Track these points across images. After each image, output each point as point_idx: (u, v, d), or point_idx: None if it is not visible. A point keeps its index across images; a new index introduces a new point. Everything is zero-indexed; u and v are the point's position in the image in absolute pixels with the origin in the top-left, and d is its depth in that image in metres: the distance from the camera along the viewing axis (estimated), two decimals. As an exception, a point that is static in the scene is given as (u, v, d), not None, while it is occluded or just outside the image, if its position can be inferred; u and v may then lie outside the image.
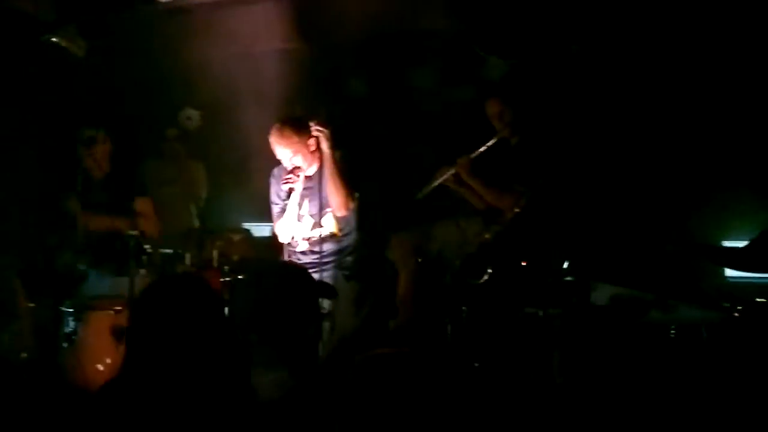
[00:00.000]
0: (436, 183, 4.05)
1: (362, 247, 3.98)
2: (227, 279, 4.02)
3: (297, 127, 3.82)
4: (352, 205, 3.85)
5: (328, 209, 3.85)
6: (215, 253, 4.20)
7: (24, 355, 2.52)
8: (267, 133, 3.96)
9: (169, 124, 5.38)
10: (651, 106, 4.38)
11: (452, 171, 4.01)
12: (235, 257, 4.20)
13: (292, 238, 3.94)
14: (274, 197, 3.99)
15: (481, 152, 3.97)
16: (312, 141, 3.82)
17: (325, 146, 3.75)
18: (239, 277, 3.91)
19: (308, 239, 3.92)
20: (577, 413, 3.25)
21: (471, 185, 3.96)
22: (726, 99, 4.30)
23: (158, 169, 5.26)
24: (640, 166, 4.32)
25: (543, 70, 4.69)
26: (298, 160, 3.83)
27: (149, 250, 3.94)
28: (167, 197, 5.16)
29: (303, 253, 3.95)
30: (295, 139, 3.80)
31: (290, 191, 3.83)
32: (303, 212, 3.95)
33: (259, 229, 5.07)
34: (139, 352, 1.85)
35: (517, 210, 3.58)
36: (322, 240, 3.86)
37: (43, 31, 4.87)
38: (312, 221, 3.94)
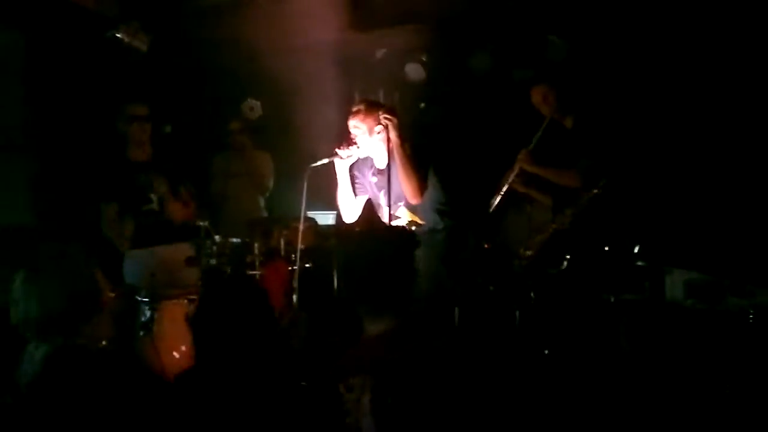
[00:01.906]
0: (503, 190, 4.03)
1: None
2: (294, 267, 4.06)
3: (367, 109, 3.83)
4: (424, 194, 3.80)
5: (400, 202, 3.83)
6: (282, 242, 4.25)
7: (104, 343, 2.58)
8: (329, 123, 3.97)
9: (231, 115, 5.45)
10: (726, 86, 4.23)
11: (515, 171, 3.98)
12: (302, 246, 4.23)
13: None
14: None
15: (537, 141, 3.93)
16: (379, 128, 3.79)
17: (393, 135, 3.71)
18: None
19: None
20: (650, 399, 3.20)
21: (539, 173, 3.91)
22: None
23: (226, 161, 5.35)
24: (716, 147, 4.19)
25: (600, 50, 4.60)
26: (362, 142, 3.83)
27: (219, 240, 4.00)
28: (235, 189, 5.26)
29: None
30: (361, 119, 3.80)
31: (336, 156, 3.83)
32: (381, 203, 3.92)
33: (324, 218, 5.12)
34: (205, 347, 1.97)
35: (596, 191, 3.51)
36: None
37: (107, 28, 4.98)
38: (388, 211, 3.93)
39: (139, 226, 4.16)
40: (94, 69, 5.02)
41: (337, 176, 3.91)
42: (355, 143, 3.82)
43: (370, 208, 3.85)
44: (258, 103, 5.66)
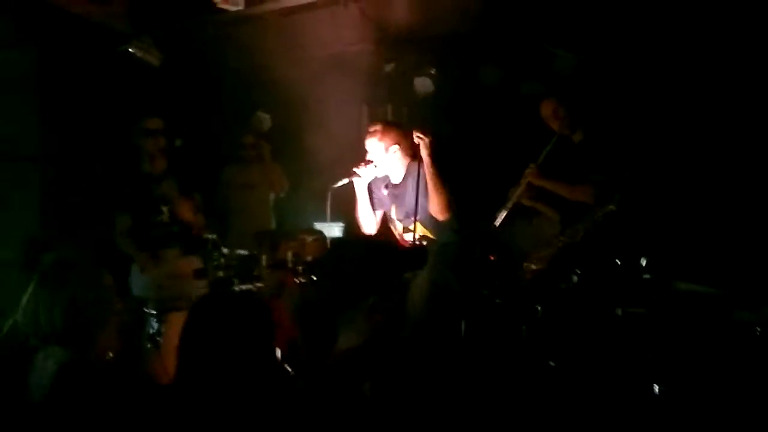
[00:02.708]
0: (510, 204, 4.06)
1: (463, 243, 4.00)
2: (301, 280, 4.07)
3: (384, 129, 3.99)
4: (451, 211, 3.86)
5: (413, 216, 3.88)
6: (289, 255, 4.26)
7: (110, 355, 2.59)
8: (338, 135, 4.02)
9: (241, 129, 5.50)
10: (738, 97, 4.23)
11: (523, 186, 4.02)
12: (309, 258, 4.24)
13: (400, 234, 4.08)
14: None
15: (546, 155, 3.96)
16: (395, 148, 3.93)
17: (424, 153, 3.81)
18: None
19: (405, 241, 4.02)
20: (656, 412, 3.19)
21: (549, 188, 3.92)
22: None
23: (236, 173, 5.38)
24: (725, 160, 4.18)
25: (609, 63, 4.61)
26: (379, 161, 3.98)
27: (226, 252, 4.03)
28: (245, 201, 5.29)
29: None
30: (379, 139, 3.96)
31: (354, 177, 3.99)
32: (393, 217, 4.09)
33: (330, 229, 5.13)
34: (190, 361, 2.00)
35: (612, 208, 3.51)
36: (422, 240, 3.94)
37: (120, 43, 5.05)
38: (401, 226, 4.04)
39: (148, 237, 4.20)
40: (108, 83, 5.09)
41: (357, 193, 4.07)
42: (372, 162, 3.96)
43: (386, 223, 4.09)
44: (268, 116, 5.71)
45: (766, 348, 3.21)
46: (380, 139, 3.96)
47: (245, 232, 4.78)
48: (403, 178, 4.02)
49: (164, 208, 4.26)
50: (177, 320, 3.74)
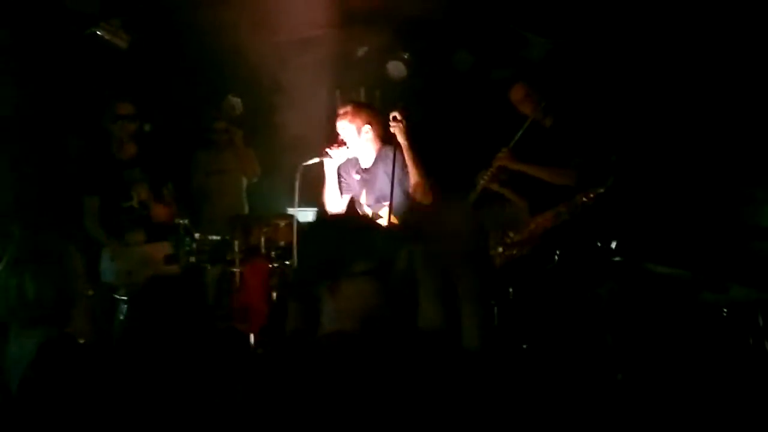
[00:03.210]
0: (479, 188, 4.04)
1: None
2: (274, 264, 4.07)
3: (354, 110, 3.93)
4: (435, 194, 3.84)
5: (384, 202, 3.87)
6: (262, 240, 4.25)
7: (81, 341, 2.56)
8: (310, 119, 3.99)
9: (212, 112, 5.44)
10: (705, 85, 4.28)
11: (492, 171, 4.00)
12: (282, 243, 4.24)
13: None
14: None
15: (518, 140, 3.95)
16: (366, 128, 3.88)
17: (401, 137, 3.78)
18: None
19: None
20: (631, 393, 3.24)
21: (528, 172, 3.88)
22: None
23: (208, 158, 5.33)
24: (693, 145, 4.24)
25: (581, 49, 4.63)
26: (351, 142, 3.92)
27: (198, 237, 4.00)
28: (217, 185, 5.24)
29: None
30: (349, 120, 3.90)
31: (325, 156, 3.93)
32: (363, 202, 4.02)
33: (303, 215, 5.11)
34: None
35: (601, 190, 3.53)
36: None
37: (87, 25, 4.95)
38: (370, 211, 3.99)
39: (116, 223, 4.16)
40: (78, 65, 5.00)
41: (326, 175, 3.99)
42: (345, 143, 3.91)
43: (352, 206, 3.93)
44: (239, 100, 5.65)
45: (731, 329, 3.29)
46: (351, 121, 3.90)
47: (217, 217, 4.76)
48: (374, 162, 3.98)
49: (134, 194, 4.22)
50: (148, 306, 3.72)
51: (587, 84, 4.40)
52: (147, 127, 4.44)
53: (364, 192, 4.02)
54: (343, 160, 4.00)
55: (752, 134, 4.18)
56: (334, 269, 1.85)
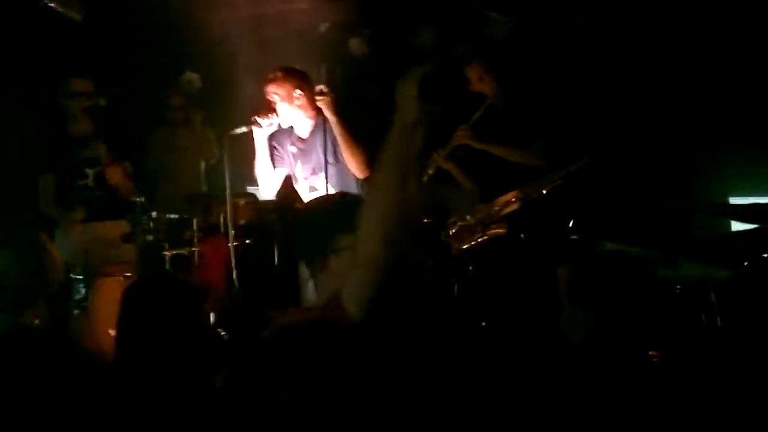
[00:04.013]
0: (434, 165, 4.02)
1: None
2: (235, 244, 4.02)
3: (284, 75, 3.79)
4: (371, 168, 3.79)
5: (320, 173, 3.82)
6: (222, 219, 4.19)
7: (36, 322, 2.54)
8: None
9: (169, 89, 5.34)
10: (654, 61, 4.33)
11: (448, 149, 3.97)
12: (242, 222, 4.19)
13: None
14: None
15: (477, 118, 3.93)
16: (298, 93, 3.76)
17: (328, 112, 3.70)
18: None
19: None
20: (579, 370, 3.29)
21: (495, 152, 3.86)
22: (730, 54, 4.25)
23: (165, 136, 5.24)
24: (643, 122, 4.30)
25: (543, 28, 4.65)
26: (282, 110, 3.79)
27: (155, 216, 3.95)
28: (175, 164, 5.17)
29: None
30: (279, 86, 3.77)
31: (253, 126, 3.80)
32: (298, 175, 3.92)
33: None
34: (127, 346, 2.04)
35: (573, 167, 3.53)
36: None
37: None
38: (307, 184, 3.92)
39: (71, 201, 4.08)
40: (31, 39, 4.86)
41: (256, 146, 3.87)
42: (275, 111, 3.77)
43: (288, 183, 3.86)
44: (197, 76, 5.55)
45: (685, 304, 3.35)
46: (280, 85, 3.76)
47: (175, 195, 4.69)
48: (311, 132, 3.86)
49: (89, 172, 4.14)
50: (105, 286, 3.68)
51: (546, 64, 4.41)
52: (102, 102, 4.35)
53: (299, 163, 3.92)
54: (274, 128, 3.87)
55: (707, 106, 4.26)
56: (322, 246, 1.89)
